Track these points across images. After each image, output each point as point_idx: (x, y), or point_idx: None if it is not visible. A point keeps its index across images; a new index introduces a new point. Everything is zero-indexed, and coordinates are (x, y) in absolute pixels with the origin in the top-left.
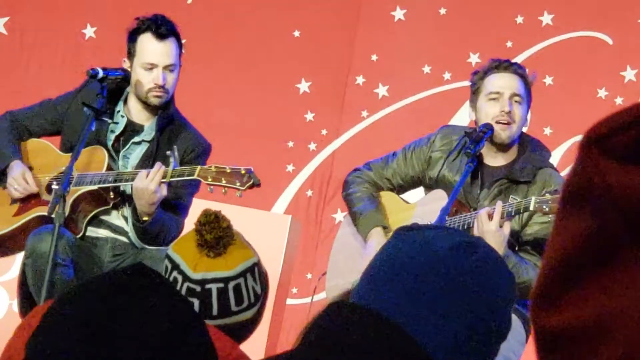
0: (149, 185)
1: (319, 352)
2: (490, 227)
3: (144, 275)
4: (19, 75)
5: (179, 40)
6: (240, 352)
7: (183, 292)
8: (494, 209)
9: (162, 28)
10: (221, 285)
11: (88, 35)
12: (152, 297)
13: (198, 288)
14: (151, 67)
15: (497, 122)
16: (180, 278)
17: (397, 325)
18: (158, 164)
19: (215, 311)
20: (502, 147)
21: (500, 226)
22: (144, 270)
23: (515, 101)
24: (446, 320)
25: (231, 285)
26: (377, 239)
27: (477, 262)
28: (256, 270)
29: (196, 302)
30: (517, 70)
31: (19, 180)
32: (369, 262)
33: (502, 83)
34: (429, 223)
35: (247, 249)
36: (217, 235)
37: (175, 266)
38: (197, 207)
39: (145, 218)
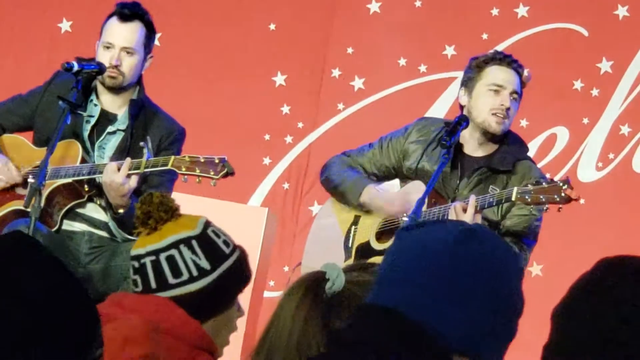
0: (114, 178)
1: (347, 355)
2: (465, 219)
3: (15, 243)
4: None
5: (147, 28)
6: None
7: (130, 271)
8: (467, 201)
9: (126, 10)
10: (153, 257)
11: (64, 29)
12: (16, 266)
13: (136, 264)
14: (109, 46)
15: (494, 114)
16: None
17: (415, 322)
18: (127, 159)
19: (153, 284)
20: (492, 138)
21: (474, 219)
22: (17, 238)
23: (513, 98)
24: (470, 309)
25: (162, 256)
26: (374, 192)
27: (485, 247)
28: (195, 244)
29: (138, 279)
30: (518, 68)
31: (3, 170)
32: (379, 270)
33: (506, 77)
34: (407, 214)
35: (187, 225)
36: (145, 210)
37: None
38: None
39: (120, 210)
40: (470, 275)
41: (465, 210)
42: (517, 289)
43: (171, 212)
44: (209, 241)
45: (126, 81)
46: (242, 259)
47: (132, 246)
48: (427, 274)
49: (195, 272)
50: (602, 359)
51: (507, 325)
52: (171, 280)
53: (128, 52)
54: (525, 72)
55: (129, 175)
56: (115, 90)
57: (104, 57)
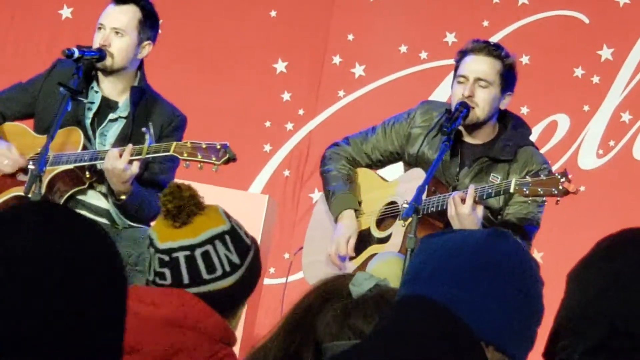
0: (116, 164)
1: (383, 344)
2: (464, 210)
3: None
4: None
5: (144, 13)
6: (217, 320)
7: (155, 264)
8: (466, 192)
9: None
10: (188, 252)
11: (65, 16)
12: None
13: (166, 258)
14: (100, 27)
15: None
16: (152, 251)
17: (444, 307)
18: (129, 145)
19: (186, 279)
20: (467, 128)
21: (474, 209)
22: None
23: (480, 85)
24: (489, 300)
25: (198, 252)
26: (347, 221)
27: (515, 248)
28: (228, 239)
29: (167, 272)
30: (493, 52)
31: (7, 154)
32: (405, 267)
33: (470, 67)
34: (406, 201)
35: (217, 218)
36: (177, 204)
37: (150, 241)
38: None
39: (122, 196)
40: (501, 270)
41: (464, 201)
42: (540, 295)
43: (201, 205)
44: (237, 235)
45: (116, 64)
46: (258, 249)
47: (133, 233)
48: (457, 270)
49: (228, 268)
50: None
51: (532, 327)
52: (205, 276)
53: (117, 33)
54: (510, 58)
55: (130, 162)
56: (108, 73)
57: (96, 39)
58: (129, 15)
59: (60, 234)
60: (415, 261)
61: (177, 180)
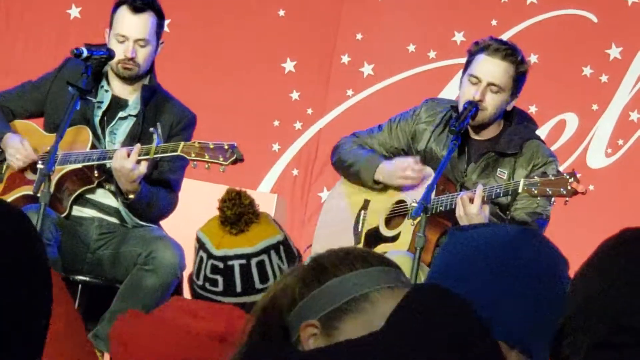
0: (124, 164)
1: (398, 334)
2: (472, 210)
3: None
4: (5, 56)
5: (158, 16)
6: None
7: (207, 269)
8: (475, 192)
9: (138, 2)
10: (243, 261)
11: (73, 15)
12: None
13: (221, 265)
14: (123, 39)
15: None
16: (205, 256)
17: (460, 299)
18: (137, 145)
19: (239, 288)
20: (474, 127)
21: (481, 208)
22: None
23: (492, 90)
24: (511, 303)
25: (254, 261)
26: (388, 164)
27: (535, 248)
28: (282, 249)
29: (220, 279)
30: (508, 56)
31: (21, 149)
32: (431, 269)
33: (484, 69)
34: (415, 200)
35: (272, 227)
36: (237, 212)
37: (201, 245)
38: (189, 187)
39: (130, 196)
40: (532, 273)
41: (472, 201)
42: (564, 292)
43: (258, 213)
44: (289, 246)
45: (141, 70)
46: (302, 258)
47: (142, 232)
48: (480, 270)
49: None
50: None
51: (555, 324)
52: (258, 285)
53: (141, 45)
54: (524, 65)
55: (139, 161)
56: (130, 80)
57: (118, 49)
58: (148, 23)
59: None
60: (443, 257)
61: (235, 187)
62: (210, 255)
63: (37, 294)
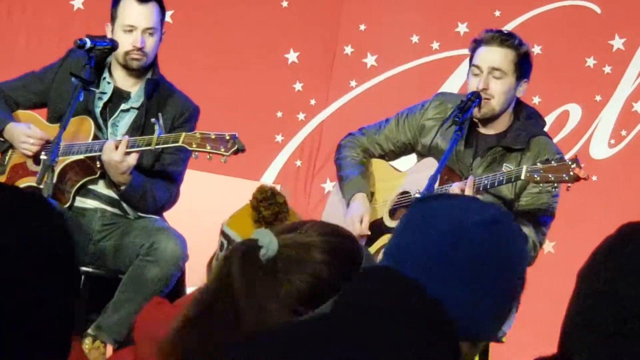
0: (112, 156)
1: (345, 314)
2: None
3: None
4: (8, 47)
5: (161, 5)
6: None
7: None
8: (466, 183)
9: None
10: None
11: (76, 6)
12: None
13: None
14: (130, 29)
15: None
16: None
17: (415, 282)
18: (125, 137)
19: None
20: (483, 121)
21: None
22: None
23: (494, 77)
24: (475, 291)
25: None
26: (360, 202)
27: (500, 232)
28: None
29: None
30: (505, 41)
31: (30, 134)
32: (391, 236)
33: (483, 58)
34: (419, 191)
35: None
36: (274, 211)
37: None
38: (193, 178)
39: (122, 187)
40: (489, 264)
41: (463, 192)
42: (522, 280)
43: (289, 210)
44: None
45: (148, 61)
46: None
47: (145, 223)
48: (440, 257)
49: None
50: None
51: (509, 309)
52: None
53: (150, 33)
54: (523, 46)
55: (128, 153)
56: (137, 71)
57: (126, 40)
58: (154, 12)
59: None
60: (404, 230)
61: (268, 184)
62: None
63: (70, 289)
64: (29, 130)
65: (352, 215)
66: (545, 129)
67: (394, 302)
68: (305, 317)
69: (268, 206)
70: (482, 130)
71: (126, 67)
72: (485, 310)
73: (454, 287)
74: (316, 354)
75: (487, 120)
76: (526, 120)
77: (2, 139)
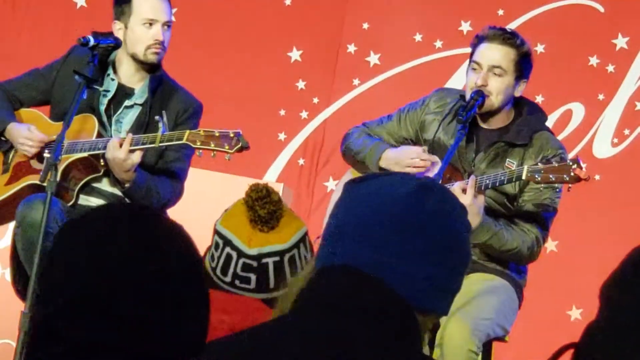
0: (116, 154)
1: (304, 315)
2: (465, 201)
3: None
4: (11, 44)
5: (169, 2)
6: None
7: (238, 268)
8: (468, 182)
9: None
10: (277, 258)
11: (79, 4)
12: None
13: (254, 263)
14: (151, 23)
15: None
16: (234, 254)
17: (371, 276)
18: (129, 134)
19: (272, 284)
20: (482, 115)
21: (475, 197)
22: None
23: (495, 73)
24: (414, 264)
25: (287, 257)
26: (394, 150)
27: (438, 202)
28: (307, 240)
29: (253, 277)
30: (507, 40)
31: (29, 136)
32: (328, 218)
33: (484, 55)
34: None
35: (297, 219)
36: (270, 210)
37: (227, 242)
38: (197, 176)
39: (126, 184)
40: (427, 231)
41: (464, 192)
42: (464, 246)
43: (283, 207)
44: (307, 233)
45: (163, 55)
46: None
47: None
48: (382, 231)
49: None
50: None
51: (458, 278)
52: (289, 279)
53: (168, 27)
54: (525, 46)
55: (132, 151)
56: (151, 66)
57: (146, 34)
58: (169, 8)
59: (153, 240)
60: (338, 213)
61: (261, 181)
62: (241, 254)
63: (204, 295)
64: (28, 132)
65: (408, 151)
66: (548, 124)
67: (352, 299)
68: (268, 320)
69: (264, 205)
70: (483, 125)
71: (143, 62)
72: (428, 280)
73: (393, 260)
74: (276, 354)
75: (487, 116)
76: (528, 115)
77: (3, 139)
